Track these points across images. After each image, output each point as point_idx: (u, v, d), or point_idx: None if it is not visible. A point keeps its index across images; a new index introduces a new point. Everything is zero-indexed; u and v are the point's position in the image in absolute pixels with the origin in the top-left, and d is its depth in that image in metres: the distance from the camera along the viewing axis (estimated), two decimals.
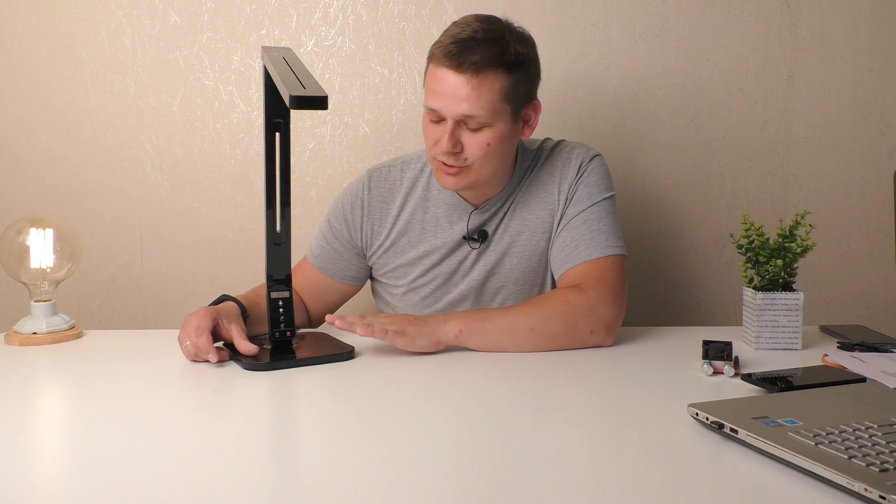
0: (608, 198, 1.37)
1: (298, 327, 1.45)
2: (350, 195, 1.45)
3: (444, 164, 1.29)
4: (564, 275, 1.34)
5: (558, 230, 1.37)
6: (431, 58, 1.28)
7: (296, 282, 1.46)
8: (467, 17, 1.30)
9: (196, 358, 1.18)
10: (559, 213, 1.38)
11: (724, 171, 1.83)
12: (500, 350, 1.23)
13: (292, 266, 1.53)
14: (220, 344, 1.22)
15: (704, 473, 0.79)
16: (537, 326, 1.23)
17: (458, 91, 1.24)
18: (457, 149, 1.27)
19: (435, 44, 1.29)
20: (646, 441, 0.86)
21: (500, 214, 1.40)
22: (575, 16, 1.77)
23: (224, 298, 1.30)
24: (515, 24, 1.31)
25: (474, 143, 1.27)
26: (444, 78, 1.25)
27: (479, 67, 1.23)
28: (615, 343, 1.29)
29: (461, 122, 1.27)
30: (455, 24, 1.29)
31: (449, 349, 1.24)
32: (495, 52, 1.24)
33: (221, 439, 0.88)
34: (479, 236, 1.40)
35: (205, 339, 1.16)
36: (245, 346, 1.18)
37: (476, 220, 1.40)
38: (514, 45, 1.27)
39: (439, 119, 1.28)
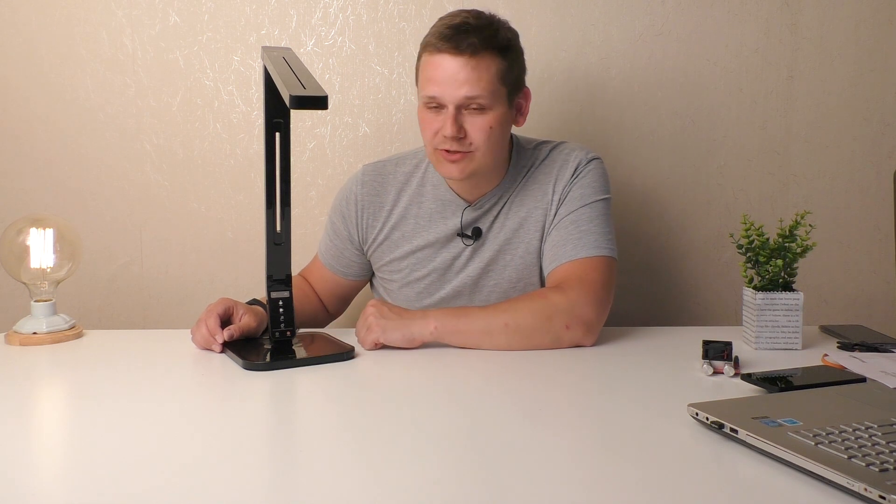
0: (601, 200, 1.37)
1: (310, 323, 1.47)
2: (345, 192, 1.47)
3: (447, 151, 1.30)
4: (550, 274, 1.35)
5: (549, 229, 1.38)
6: (426, 47, 1.31)
7: (311, 279, 1.55)
8: (453, 11, 1.35)
9: (205, 345, 1.23)
10: (552, 212, 1.38)
11: (724, 171, 1.83)
12: (477, 347, 1.24)
13: (306, 263, 1.56)
14: (221, 342, 1.22)
15: (704, 473, 0.79)
16: (511, 322, 1.23)
17: (458, 74, 1.27)
18: (461, 133, 1.29)
19: (427, 36, 1.32)
20: (646, 441, 0.86)
21: (495, 212, 1.40)
22: (575, 16, 1.77)
23: (255, 302, 1.34)
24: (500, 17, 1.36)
25: (476, 127, 1.29)
26: (442, 63, 1.28)
27: (477, 49, 1.27)
28: (616, 343, 1.29)
29: (461, 107, 1.28)
30: (442, 18, 1.33)
31: (449, 349, 1.24)
32: (489, 35, 1.29)
33: (221, 439, 0.88)
34: (472, 233, 1.40)
35: (213, 320, 1.23)
36: (224, 332, 1.22)
37: (469, 216, 1.40)
38: (503, 31, 1.33)
39: (438, 108, 1.30)
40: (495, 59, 1.29)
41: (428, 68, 1.30)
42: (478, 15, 1.32)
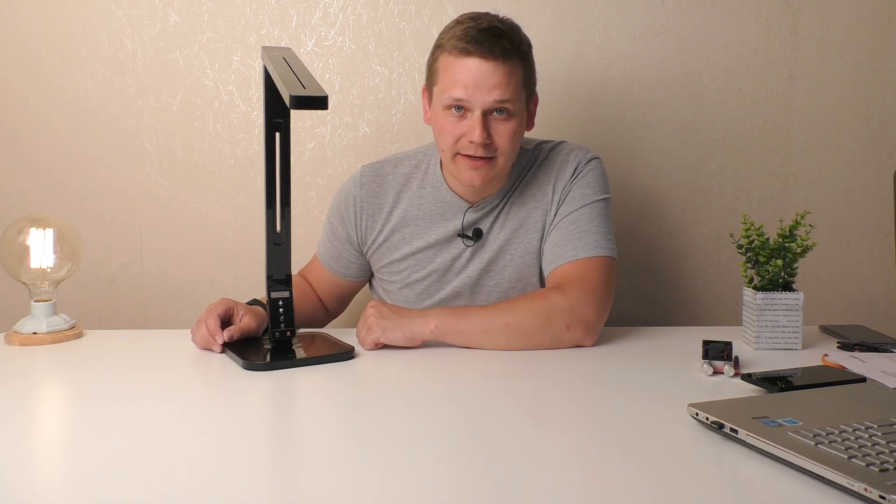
0: (601, 200, 1.37)
1: (309, 323, 1.47)
2: (343, 193, 1.46)
3: (472, 157, 1.29)
4: (551, 274, 1.35)
5: (549, 230, 1.38)
6: (451, 50, 1.27)
7: (311, 279, 1.54)
8: (470, 13, 1.32)
9: (205, 345, 1.23)
10: (552, 212, 1.38)
11: (724, 171, 1.83)
12: (478, 346, 1.24)
13: (306, 263, 1.56)
14: (222, 343, 1.22)
15: (704, 473, 0.79)
16: (512, 322, 1.23)
17: (490, 78, 1.25)
18: (488, 140, 1.27)
19: (449, 38, 1.28)
20: (646, 441, 0.86)
21: (496, 213, 1.40)
22: (575, 16, 1.77)
23: (255, 302, 1.34)
24: None
25: (502, 134, 1.28)
26: (473, 67, 1.25)
27: (508, 54, 1.26)
28: (616, 343, 1.29)
29: (488, 112, 1.27)
30: (460, 22, 1.30)
31: (449, 348, 1.24)
32: (515, 41, 1.28)
33: (221, 439, 0.88)
34: (473, 234, 1.40)
35: (213, 320, 1.23)
36: (224, 333, 1.22)
37: (470, 217, 1.40)
38: (522, 36, 1.32)
39: (462, 112, 1.28)
40: (520, 65, 1.28)
41: (454, 70, 1.27)
42: (500, 19, 1.30)
